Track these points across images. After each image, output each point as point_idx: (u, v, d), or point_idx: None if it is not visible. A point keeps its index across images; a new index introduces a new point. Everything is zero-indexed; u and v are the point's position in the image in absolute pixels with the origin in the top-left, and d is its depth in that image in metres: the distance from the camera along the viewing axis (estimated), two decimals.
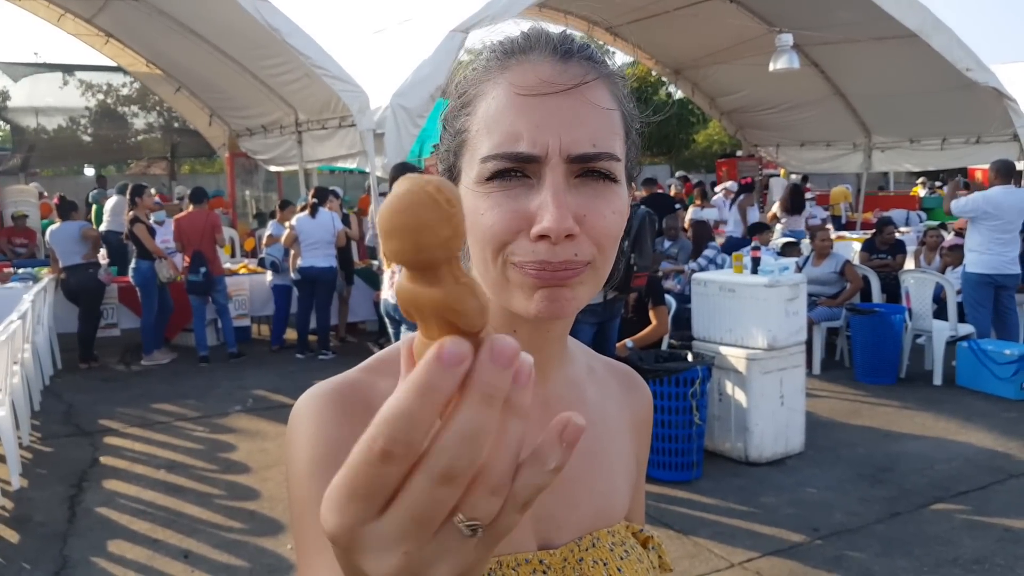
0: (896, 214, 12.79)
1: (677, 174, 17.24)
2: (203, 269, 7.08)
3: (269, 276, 7.85)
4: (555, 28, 0.69)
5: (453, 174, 0.70)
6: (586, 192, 0.63)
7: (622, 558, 0.74)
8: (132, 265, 7.32)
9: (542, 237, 0.61)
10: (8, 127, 13.15)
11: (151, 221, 7.57)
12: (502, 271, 0.64)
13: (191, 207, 7.37)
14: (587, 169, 0.63)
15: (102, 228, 10.00)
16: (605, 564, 0.73)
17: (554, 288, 0.62)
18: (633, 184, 0.73)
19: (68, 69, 13.02)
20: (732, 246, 8.21)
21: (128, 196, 7.50)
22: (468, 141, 0.67)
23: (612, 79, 0.68)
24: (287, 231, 7.34)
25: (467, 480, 0.33)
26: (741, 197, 10.26)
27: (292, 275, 7.41)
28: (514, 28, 0.69)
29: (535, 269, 0.62)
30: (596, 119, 0.64)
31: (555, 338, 0.71)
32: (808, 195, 11.83)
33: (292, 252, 7.33)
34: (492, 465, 0.34)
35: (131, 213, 7.26)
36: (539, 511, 0.72)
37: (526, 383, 0.34)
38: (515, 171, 0.63)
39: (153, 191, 8.35)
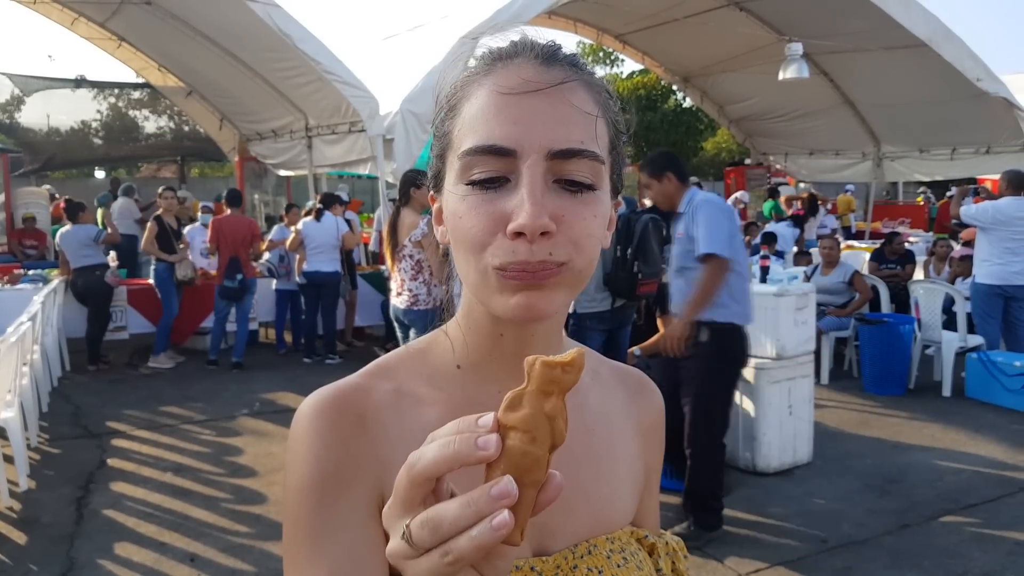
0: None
1: (692, 180, 17.19)
2: (239, 276, 7.02)
3: (274, 282, 7.88)
4: (543, 37, 0.69)
5: (439, 179, 0.70)
6: (566, 196, 0.63)
7: (619, 566, 0.73)
8: (153, 266, 7.39)
9: (518, 235, 0.61)
10: (19, 130, 13.21)
11: (198, 223, 7.73)
12: (482, 275, 0.64)
13: (228, 210, 7.28)
14: (568, 176, 0.63)
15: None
16: (600, 572, 0.72)
17: (531, 291, 0.62)
18: (619, 199, 0.72)
19: (79, 84, 13.07)
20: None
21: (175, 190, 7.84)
22: (451, 143, 0.67)
23: (596, 87, 0.68)
24: (292, 235, 7.36)
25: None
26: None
27: (297, 279, 7.43)
28: (512, 35, 0.69)
29: (515, 270, 0.62)
30: (578, 120, 0.64)
31: (540, 340, 0.70)
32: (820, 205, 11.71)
33: (297, 256, 7.36)
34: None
35: (158, 211, 7.39)
36: (534, 517, 0.71)
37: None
38: (496, 179, 0.63)
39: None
